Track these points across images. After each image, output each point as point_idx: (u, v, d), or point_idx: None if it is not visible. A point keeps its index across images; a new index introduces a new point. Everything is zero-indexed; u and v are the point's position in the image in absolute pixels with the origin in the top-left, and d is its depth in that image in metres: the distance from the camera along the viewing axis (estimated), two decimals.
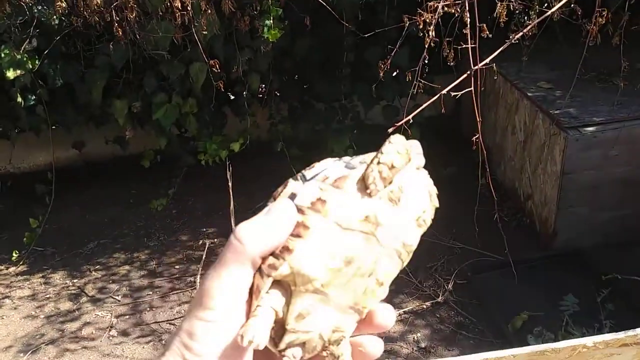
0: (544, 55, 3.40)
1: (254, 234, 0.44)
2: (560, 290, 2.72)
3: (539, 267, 2.95)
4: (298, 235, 0.44)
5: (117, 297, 3.12)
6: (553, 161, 2.93)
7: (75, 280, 3.29)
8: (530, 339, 2.44)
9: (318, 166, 0.48)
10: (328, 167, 0.47)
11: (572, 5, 2.28)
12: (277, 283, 0.45)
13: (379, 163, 0.45)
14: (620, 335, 1.56)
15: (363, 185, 0.46)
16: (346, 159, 0.49)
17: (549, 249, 3.04)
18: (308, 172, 0.48)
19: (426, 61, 2.41)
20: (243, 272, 0.44)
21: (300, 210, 0.45)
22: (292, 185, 0.48)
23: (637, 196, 2.94)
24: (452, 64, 2.62)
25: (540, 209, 3.15)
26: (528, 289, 2.81)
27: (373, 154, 0.47)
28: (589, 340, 1.58)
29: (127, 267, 3.37)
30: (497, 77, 3.34)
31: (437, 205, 0.48)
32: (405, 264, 0.47)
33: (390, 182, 0.45)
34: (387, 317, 0.48)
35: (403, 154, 0.46)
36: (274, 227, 0.44)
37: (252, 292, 0.44)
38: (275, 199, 0.48)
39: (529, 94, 3.18)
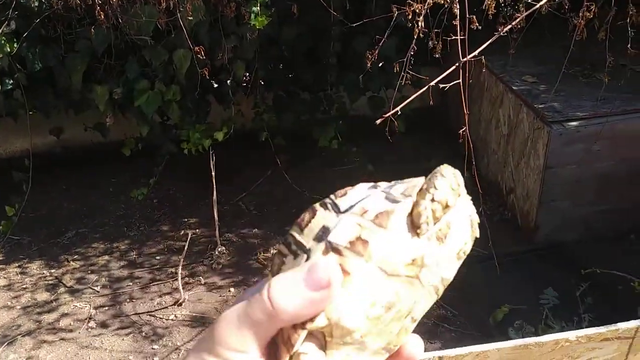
0: (529, 49, 3.40)
1: (292, 305, 0.39)
2: (541, 283, 2.75)
3: (520, 261, 2.98)
4: None
5: (96, 288, 3.07)
6: (536, 155, 2.94)
7: (52, 271, 3.22)
8: (511, 332, 2.46)
9: (352, 194, 0.43)
10: (365, 198, 0.42)
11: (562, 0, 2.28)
12: (309, 333, 0.41)
13: (432, 200, 0.41)
14: (602, 329, 1.58)
15: (410, 222, 0.41)
16: (383, 185, 0.44)
17: (530, 242, 3.07)
18: (341, 201, 0.43)
19: (413, 52, 2.39)
20: (268, 333, 0.41)
21: (336, 250, 0.40)
22: (322, 215, 0.43)
23: (618, 191, 2.98)
24: (438, 55, 2.61)
25: (522, 202, 3.17)
26: (509, 282, 2.83)
27: (416, 183, 0.43)
28: (571, 335, 1.59)
29: (106, 257, 3.31)
30: (483, 70, 3.34)
31: (478, 235, 0.45)
32: (440, 296, 0.44)
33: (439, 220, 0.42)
34: (417, 348, 0.45)
35: (456, 189, 0.42)
36: (315, 301, 0.39)
37: (280, 338, 0.41)
38: (300, 229, 0.43)
39: (514, 88, 3.18)
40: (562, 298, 2.62)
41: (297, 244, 0.43)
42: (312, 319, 0.40)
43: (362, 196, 0.42)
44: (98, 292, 3.04)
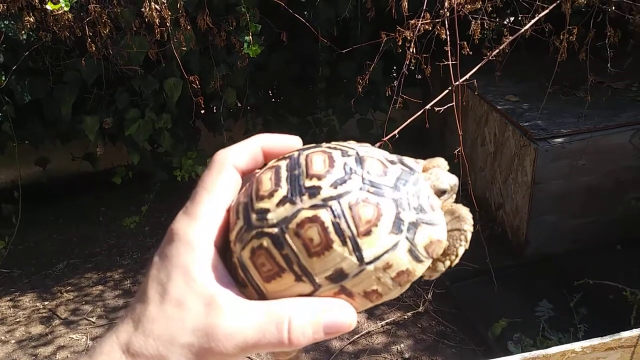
0: (509, 69, 3.52)
1: (305, 343, 0.43)
2: (535, 296, 2.81)
3: (513, 275, 3.04)
4: None
5: (91, 319, 3.03)
6: (524, 171, 3.04)
7: (46, 303, 3.18)
8: (510, 346, 2.51)
9: (378, 236, 0.43)
10: (392, 249, 0.43)
11: (543, 24, 2.39)
12: None
13: (449, 266, 0.48)
14: (606, 339, 1.64)
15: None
16: (406, 216, 0.44)
17: (522, 256, 3.14)
18: (365, 244, 0.42)
19: (402, 77, 2.47)
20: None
21: (349, 294, 0.44)
22: (339, 252, 0.42)
23: (604, 203, 3.08)
24: (420, 77, 2.70)
25: (511, 218, 3.25)
26: (504, 296, 2.89)
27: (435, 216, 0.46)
28: (577, 346, 1.65)
29: (100, 287, 3.28)
30: (467, 90, 3.44)
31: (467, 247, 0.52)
32: None
33: None
34: None
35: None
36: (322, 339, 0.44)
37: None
38: (309, 253, 0.43)
39: (498, 107, 3.29)
40: (556, 309, 2.69)
41: (303, 270, 0.43)
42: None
43: (387, 245, 0.43)
44: (94, 322, 3.00)
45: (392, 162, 0.46)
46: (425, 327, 2.77)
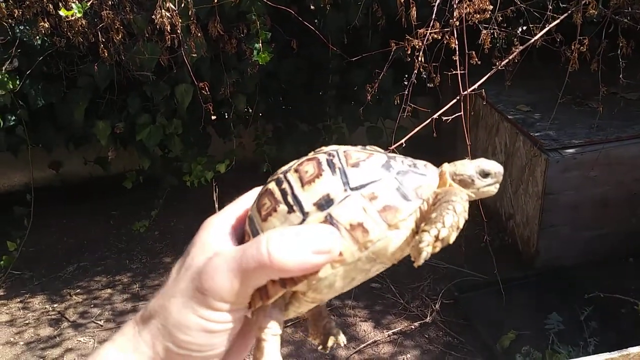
0: (521, 79, 3.49)
1: (290, 261, 0.42)
2: (545, 308, 2.77)
3: (523, 286, 3.01)
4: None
5: (99, 322, 3.05)
6: (534, 182, 3.01)
7: (55, 305, 3.21)
8: (518, 358, 2.47)
9: (365, 168, 0.45)
10: (378, 181, 0.44)
11: (554, 34, 2.37)
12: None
13: (436, 238, 0.43)
14: (615, 354, 1.61)
15: (412, 234, 0.45)
16: (399, 159, 0.46)
17: (532, 267, 3.11)
18: (352, 172, 0.45)
19: (412, 86, 2.46)
20: (257, 284, 0.44)
21: (336, 227, 0.43)
22: (328, 179, 0.44)
23: (615, 215, 3.04)
24: (431, 85, 2.69)
25: (522, 228, 3.22)
26: (513, 308, 2.85)
27: (430, 178, 0.47)
28: None
29: (109, 290, 3.30)
30: (478, 99, 3.42)
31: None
32: None
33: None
34: None
35: (456, 228, 0.45)
36: (310, 264, 0.42)
37: (261, 289, 0.45)
38: (302, 182, 0.45)
39: (509, 117, 3.26)
40: (566, 322, 2.64)
41: (295, 199, 0.45)
42: (295, 283, 0.44)
43: (374, 177, 0.45)
44: (102, 325, 3.02)
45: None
46: (433, 337, 2.75)
